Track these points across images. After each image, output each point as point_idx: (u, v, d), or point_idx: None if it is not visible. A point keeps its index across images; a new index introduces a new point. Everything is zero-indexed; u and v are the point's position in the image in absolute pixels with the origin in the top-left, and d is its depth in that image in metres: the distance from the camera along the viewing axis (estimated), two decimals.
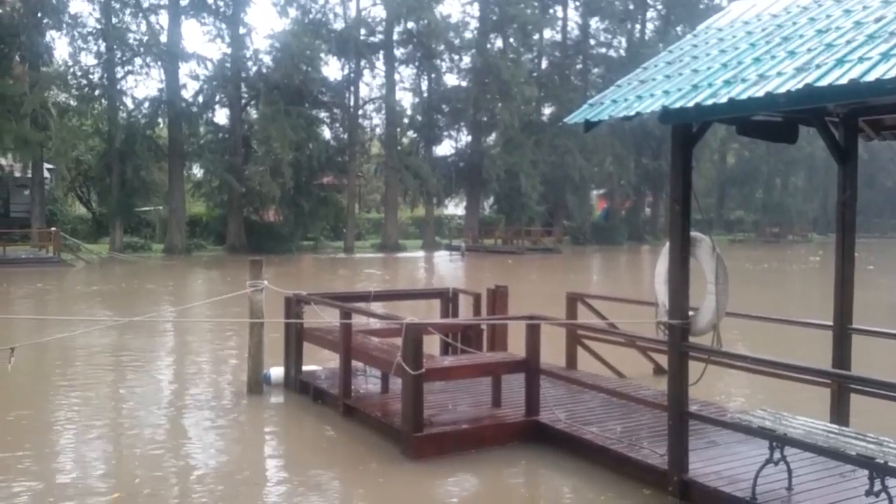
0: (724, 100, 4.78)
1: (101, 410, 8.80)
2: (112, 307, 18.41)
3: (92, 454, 7.15)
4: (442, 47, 46.99)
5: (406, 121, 48.64)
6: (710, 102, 4.89)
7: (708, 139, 49.56)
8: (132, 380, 10.60)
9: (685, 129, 5.66)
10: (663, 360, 8.20)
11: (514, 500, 6.24)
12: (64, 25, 37.53)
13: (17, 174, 40.31)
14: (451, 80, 50.14)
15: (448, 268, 34.67)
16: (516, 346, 8.38)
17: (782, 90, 4.44)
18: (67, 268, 30.66)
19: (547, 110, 53.92)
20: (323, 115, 45.22)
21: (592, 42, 56.54)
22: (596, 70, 56.23)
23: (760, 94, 4.55)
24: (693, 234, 5.92)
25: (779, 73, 4.64)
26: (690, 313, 5.88)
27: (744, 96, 4.65)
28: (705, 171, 60.19)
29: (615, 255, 44.51)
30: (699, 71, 5.41)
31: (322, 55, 42.24)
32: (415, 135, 49.76)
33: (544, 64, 54.82)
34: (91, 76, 39.10)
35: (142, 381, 10.44)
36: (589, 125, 5.83)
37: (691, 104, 4.99)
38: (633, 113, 5.43)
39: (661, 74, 5.78)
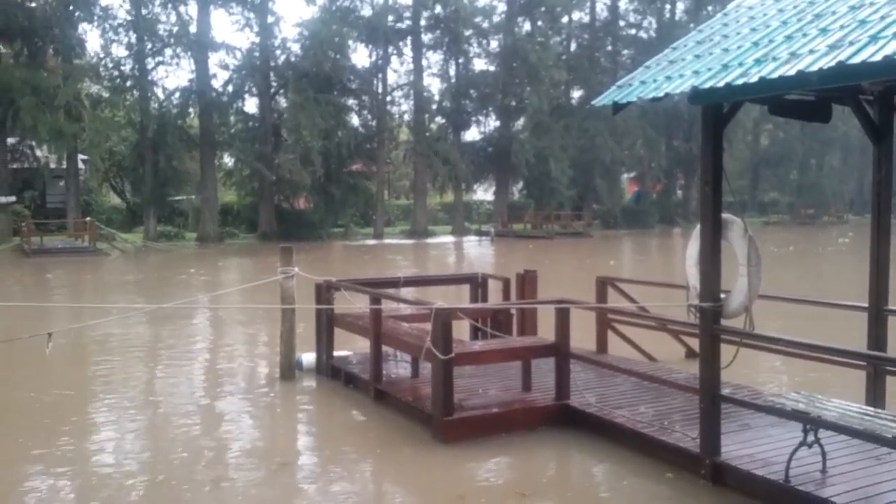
0: (754, 79, 4.71)
1: (137, 395, 8.97)
2: (147, 295, 18.71)
3: (128, 436, 7.31)
4: (470, 32, 46.74)
5: (434, 106, 48.49)
6: (740, 82, 4.81)
7: (741, 120, 48.78)
8: (167, 365, 10.79)
9: (715, 109, 5.59)
10: (695, 343, 8.14)
11: (545, 482, 6.25)
12: (95, 18, 37.96)
13: (53, 165, 41.00)
14: (479, 64, 49.96)
15: (477, 253, 34.66)
16: (546, 331, 8.37)
17: (814, 68, 4.36)
18: (103, 257, 31.17)
19: (576, 93, 53.45)
20: (351, 102, 45.29)
21: (622, 23, 55.82)
22: (625, 52, 55.48)
23: (792, 72, 4.47)
24: (725, 215, 5.85)
25: (811, 51, 4.56)
26: (722, 296, 5.83)
27: (775, 75, 4.58)
28: (738, 152, 59.23)
29: (646, 238, 44.13)
30: (729, 50, 5.33)
31: (350, 42, 42.27)
32: (443, 120, 49.62)
33: (573, 46, 54.28)
34: (122, 67, 39.53)
35: (176, 367, 10.62)
36: (617, 107, 5.78)
37: (721, 84, 4.92)
38: (662, 94, 5.37)
39: (691, 54, 5.70)
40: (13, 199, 37.14)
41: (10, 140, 38.03)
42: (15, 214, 36.98)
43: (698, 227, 5.90)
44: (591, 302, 9.60)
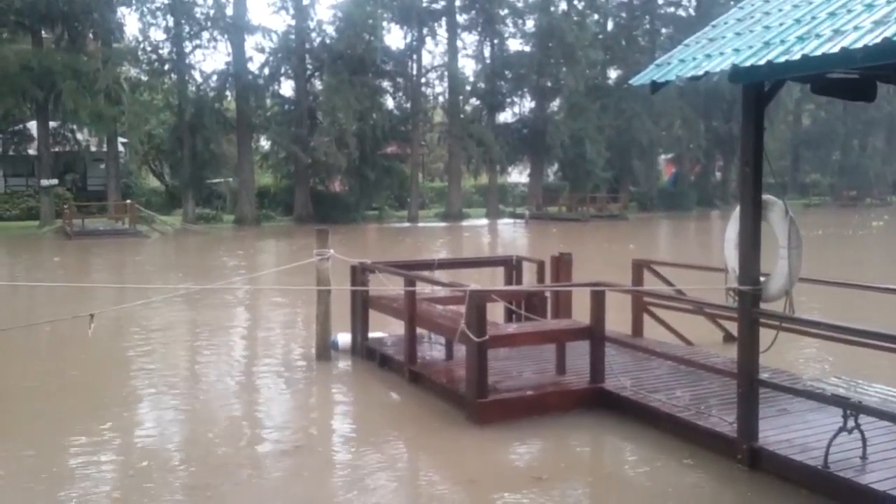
0: (797, 57, 4.58)
1: (176, 375, 9.13)
2: (186, 276, 19.00)
3: (168, 414, 7.45)
4: (505, 11, 46.36)
5: (469, 88, 48.27)
6: (782, 60, 4.69)
7: (782, 100, 47.84)
8: (206, 345, 10.97)
9: (756, 88, 5.47)
10: (733, 327, 8.03)
11: (579, 465, 6.24)
12: (133, 1, 38.35)
13: (93, 148, 41.73)
14: (514, 45, 49.53)
15: (512, 236, 34.57)
16: (580, 314, 8.33)
17: (859, 45, 4.23)
18: (143, 239, 31.70)
19: (613, 73, 52.79)
20: (386, 84, 45.28)
21: (660, 1, 54.84)
22: (664, 30, 54.51)
23: (835, 49, 4.35)
24: (765, 197, 5.74)
25: (855, 28, 4.42)
26: (762, 279, 5.73)
27: (818, 52, 4.46)
28: (779, 132, 58.12)
29: (683, 221, 43.60)
30: (771, 27, 5.20)
31: (384, 24, 42.20)
32: (478, 102, 49.37)
33: (610, 25, 53.55)
34: (160, 51, 39.96)
35: (215, 346, 10.79)
36: (656, 86, 5.68)
37: (762, 62, 4.81)
38: (701, 72, 5.27)
39: (731, 32, 5.57)
40: (55, 181, 37.91)
41: (53, 124, 38.75)
42: (57, 197, 37.77)
43: (738, 208, 5.79)
44: (627, 285, 9.51)
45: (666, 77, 5.55)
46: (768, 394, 6.23)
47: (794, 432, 5.85)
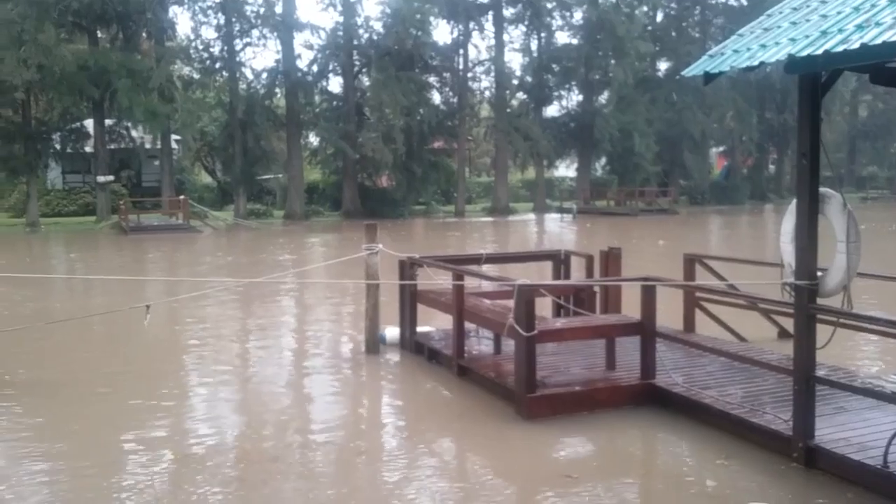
0: (855, 45, 4.47)
1: (227, 367, 9.30)
2: (238, 270, 19.33)
3: (219, 405, 7.60)
4: (552, 5, 45.99)
5: (515, 82, 48.06)
6: (840, 49, 4.58)
7: (838, 90, 46.56)
8: (257, 337, 11.15)
9: (813, 78, 5.34)
10: (788, 323, 7.88)
11: (629, 461, 6.19)
12: (185, 1, 39.11)
13: (148, 146, 42.67)
14: (561, 38, 49.17)
15: (559, 230, 34.35)
16: (630, 310, 8.25)
17: None
18: (196, 234, 32.33)
19: (663, 65, 52.00)
20: (433, 79, 45.33)
21: None
22: (716, 21, 53.48)
23: None
24: (822, 190, 5.61)
25: None
26: (819, 273, 5.60)
27: (878, 41, 4.34)
28: (835, 124, 56.64)
29: (736, 215, 42.78)
30: (828, 16, 5.07)
31: (431, 19, 42.20)
32: (524, 96, 49.13)
33: (659, 17, 52.73)
34: (212, 49, 40.63)
35: (265, 339, 10.96)
36: (709, 77, 5.59)
37: (820, 51, 4.70)
38: (756, 63, 5.16)
39: (787, 21, 5.45)
40: (111, 178, 38.91)
41: (108, 121, 39.73)
42: (113, 193, 38.75)
43: (794, 202, 5.67)
44: (678, 280, 9.38)
45: (719, 68, 5.46)
46: (825, 391, 6.10)
47: (851, 431, 5.71)
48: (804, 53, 4.81)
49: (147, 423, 6.95)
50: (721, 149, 58.63)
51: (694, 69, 5.69)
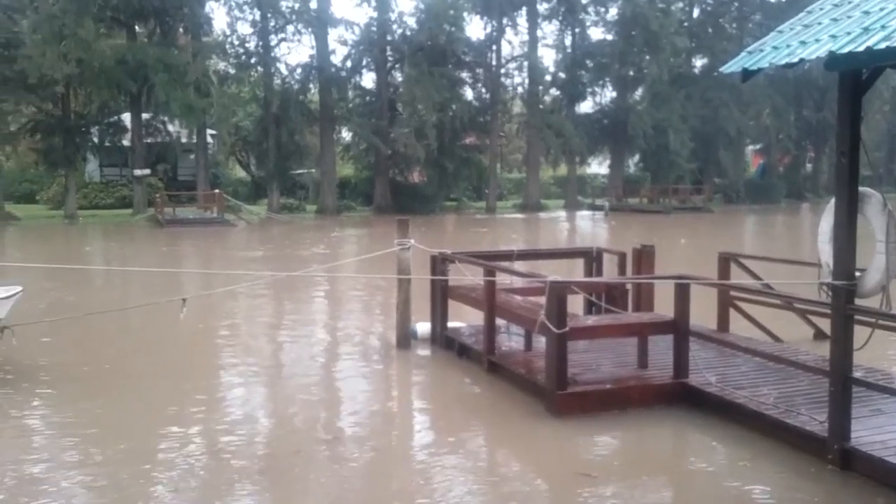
0: None
1: (260, 359, 9.42)
2: (271, 264, 19.51)
3: (250, 399, 7.71)
4: (587, 0, 45.68)
5: (548, 78, 47.80)
6: (883, 46, 4.50)
7: (878, 88, 45.58)
8: (289, 330, 11.27)
9: (854, 76, 5.26)
10: (824, 323, 7.76)
11: (660, 460, 6.15)
12: None
13: (184, 140, 43.20)
14: (595, 33, 48.79)
15: (591, 227, 34.16)
16: (663, 308, 8.19)
17: None
18: (230, 227, 32.68)
19: (698, 62, 51.35)
20: (465, 75, 45.24)
21: None
22: (753, 17, 52.69)
23: None
24: (861, 189, 5.52)
25: None
26: (857, 274, 5.52)
27: None
28: (874, 123, 55.48)
29: (772, 214, 42.18)
30: (870, 12, 4.98)
31: (465, 14, 42.15)
32: (557, 92, 48.84)
33: (696, 12, 52.08)
34: (247, 45, 40.97)
35: (297, 332, 11.07)
36: (747, 74, 5.52)
37: (861, 48, 4.62)
38: (796, 60, 5.10)
39: (828, 18, 5.37)
40: (148, 171, 39.46)
41: (145, 115, 40.30)
42: (150, 186, 39.31)
43: (832, 201, 5.59)
44: (712, 278, 9.29)
45: (758, 64, 5.39)
46: (861, 393, 6.01)
47: (888, 433, 5.63)
48: (845, 50, 4.74)
49: (179, 412, 7.07)
50: (757, 146, 57.76)
51: (732, 65, 5.63)
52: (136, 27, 39.00)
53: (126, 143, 41.05)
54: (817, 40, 5.07)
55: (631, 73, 47.41)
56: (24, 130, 38.58)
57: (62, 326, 10.39)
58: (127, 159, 41.87)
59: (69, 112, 37.70)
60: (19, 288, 8.37)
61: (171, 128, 42.66)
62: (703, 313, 9.04)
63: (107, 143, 41.34)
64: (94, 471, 5.71)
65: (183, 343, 10.08)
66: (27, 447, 6.25)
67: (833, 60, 4.97)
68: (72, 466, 5.81)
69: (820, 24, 5.35)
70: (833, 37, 4.97)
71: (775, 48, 5.39)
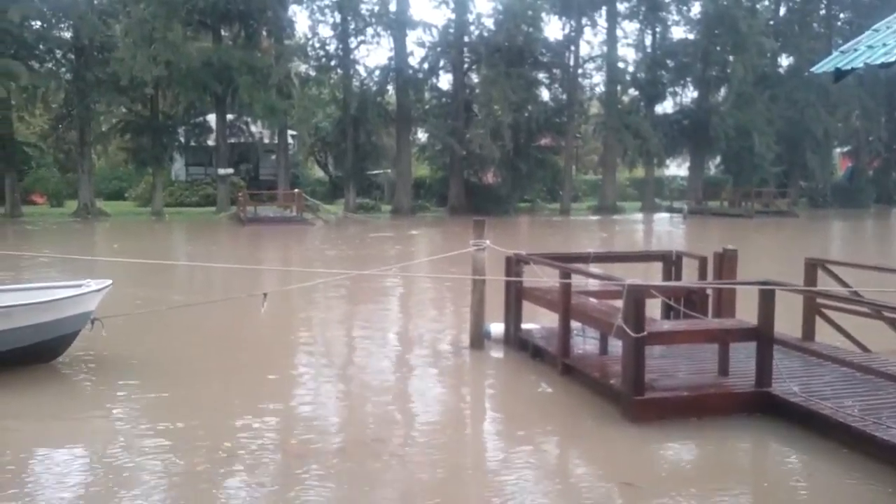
0: None
1: (334, 356, 9.60)
2: (347, 262, 19.83)
3: (324, 396, 7.85)
4: None
5: (627, 78, 47.08)
6: None
7: None
8: (363, 327, 11.43)
9: None
10: None
11: (739, 471, 5.99)
12: (304, 0, 40.38)
13: (266, 140, 44.37)
14: (677, 32, 47.82)
15: (669, 230, 33.48)
16: (744, 314, 7.96)
17: None
18: (308, 226, 33.36)
19: (784, 62, 49.73)
20: (542, 75, 44.97)
21: None
22: (842, 15, 50.73)
23: None
24: None
25: None
26: None
27: None
28: None
29: (860, 219, 40.50)
30: None
31: (543, 15, 41.92)
32: (636, 93, 48.03)
33: (782, 11, 50.44)
34: (328, 47, 41.81)
35: (371, 330, 11.20)
36: (840, 74, 5.33)
37: None
38: (893, 59, 4.89)
39: None
40: (231, 171, 40.70)
41: (229, 116, 41.55)
42: (232, 185, 40.51)
43: None
44: (798, 285, 8.97)
45: (852, 64, 5.20)
46: None
47: None
48: None
49: (256, 405, 7.25)
50: (845, 149, 55.58)
51: (824, 65, 5.44)
52: (222, 30, 40.30)
53: (211, 143, 42.42)
54: None
55: (713, 73, 46.27)
56: (115, 130, 40.36)
57: (146, 319, 10.79)
58: (211, 159, 43.27)
59: (157, 113, 39.22)
60: (109, 281, 8.73)
61: (253, 128, 43.87)
62: (786, 321, 8.75)
63: (192, 143, 42.79)
64: (172, 456, 5.90)
65: (261, 338, 10.33)
66: (112, 435, 6.52)
67: None
68: (151, 448, 6.01)
69: None
70: None
71: (870, 47, 5.19)
